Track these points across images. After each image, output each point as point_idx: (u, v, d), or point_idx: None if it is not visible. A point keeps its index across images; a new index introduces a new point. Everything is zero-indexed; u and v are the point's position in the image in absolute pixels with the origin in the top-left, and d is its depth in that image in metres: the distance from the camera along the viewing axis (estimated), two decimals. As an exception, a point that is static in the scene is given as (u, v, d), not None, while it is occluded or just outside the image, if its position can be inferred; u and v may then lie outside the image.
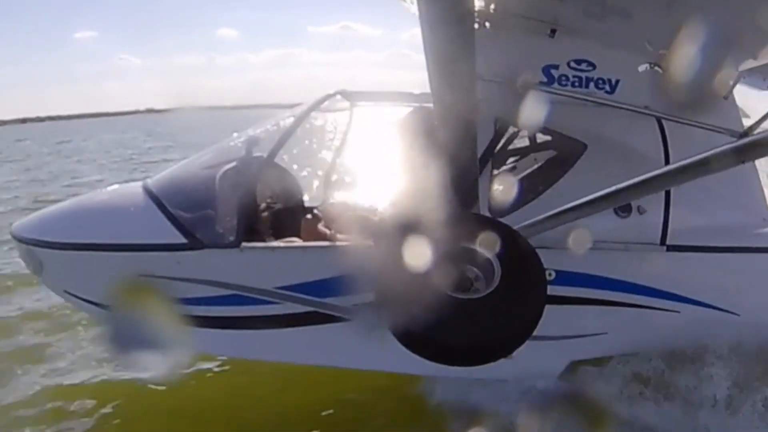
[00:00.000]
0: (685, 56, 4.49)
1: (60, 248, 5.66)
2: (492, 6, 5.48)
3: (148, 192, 5.48)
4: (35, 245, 5.98)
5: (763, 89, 7.57)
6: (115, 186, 6.35)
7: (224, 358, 7.37)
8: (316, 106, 5.98)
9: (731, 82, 6.57)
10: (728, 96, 6.60)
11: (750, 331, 6.34)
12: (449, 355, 3.98)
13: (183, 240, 5.19)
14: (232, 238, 5.20)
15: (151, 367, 5.34)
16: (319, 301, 5.35)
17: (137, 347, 4.90)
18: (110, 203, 5.94)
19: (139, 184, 5.84)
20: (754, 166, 6.54)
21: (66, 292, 6.06)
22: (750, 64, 6.23)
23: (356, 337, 5.38)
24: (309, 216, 5.82)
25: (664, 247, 6.05)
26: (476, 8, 5.43)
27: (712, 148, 3.64)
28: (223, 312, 5.38)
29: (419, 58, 3.29)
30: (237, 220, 5.25)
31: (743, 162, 3.95)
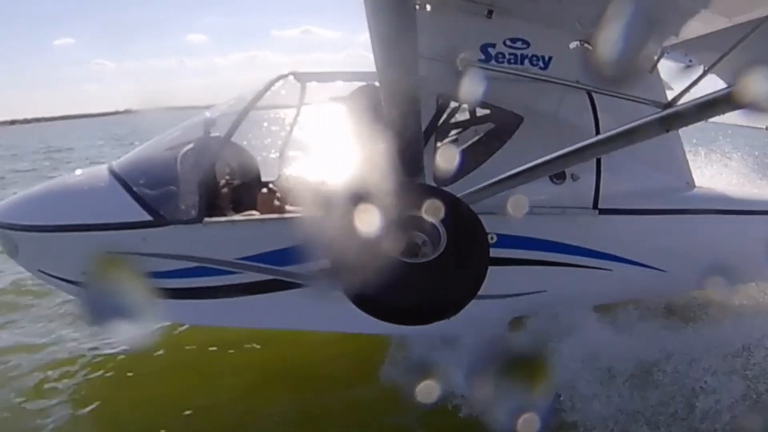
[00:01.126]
0: (612, 34, 4.51)
1: (33, 230, 5.66)
2: None
3: (114, 174, 5.51)
4: (9, 229, 5.97)
5: (684, 63, 7.79)
6: (83, 170, 6.21)
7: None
8: (269, 87, 5.95)
9: (655, 58, 6.83)
10: (653, 70, 6.79)
11: (675, 286, 6.77)
12: (401, 316, 4.02)
13: (148, 217, 5.20)
14: (194, 214, 5.23)
15: (124, 338, 5.28)
16: (278, 269, 5.40)
17: (110, 320, 4.85)
18: (79, 186, 5.90)
19: (105, 166, 5.77)
20: (678, 134, 6.77)
21: (41, 271, 6.05)
22: (672, 40, 6.52)
23: (314, 302, 5.45)
24: (265, 190, 5.73)
25: (596, 211, 6.22)
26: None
27: (638, 119, 3.92)
28: (189, 283, 5.40)
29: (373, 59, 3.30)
30: (198, 197, 5.27)
31: (667, 131, 4.16)
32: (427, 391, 5.14)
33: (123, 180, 5.39)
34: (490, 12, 5.98)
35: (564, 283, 6.32)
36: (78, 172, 6.21)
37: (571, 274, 6.32)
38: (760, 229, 7.16)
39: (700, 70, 6.13)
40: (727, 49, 5.11)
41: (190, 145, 5.72)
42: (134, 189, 5.34)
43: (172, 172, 5.48)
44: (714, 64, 5.43)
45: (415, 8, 2.75)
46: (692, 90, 5.41)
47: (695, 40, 6.31)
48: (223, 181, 5.92)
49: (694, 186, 7.13)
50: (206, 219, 5.30)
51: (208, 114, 5.94)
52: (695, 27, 6.01)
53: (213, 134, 5.85)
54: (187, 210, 5.29)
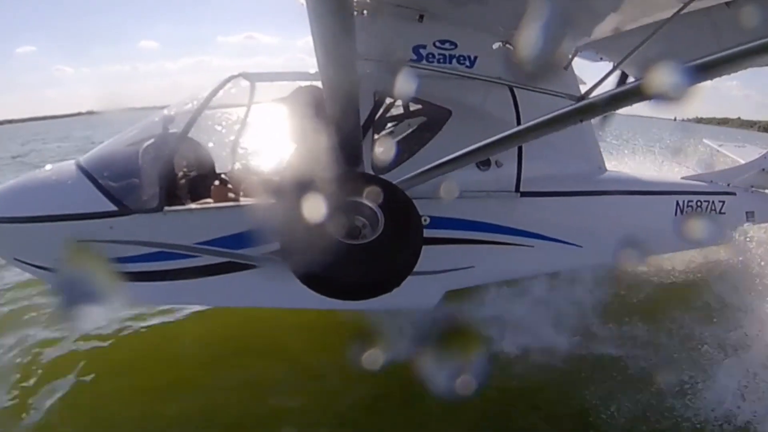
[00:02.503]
0: (531, 35, 4.67)
1: (6, 222, 5.61)
2: None
3: (81, 168, 5.52)
4: None
5: (596, 60, 8.24)
6: (52, 165, 6.18)
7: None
8: (222, 86, 5.98)
9: (570, 56, 7.12)
10: (567, 67, 7.10)
11: (591, 259, 6.99)
12: (344, 292, 4.22)
13: (113, 208, 5.22)
14: (155, 204, 5.27)
15: (95, 318, 5.30)
16: (232, 252, 5.48)
17: (82, 303, 4.85)
18: (49, 180, 5.89)
19: (73, 162, 5.76)
20: (590, 124, 7.10)
21: (16, 259, 6.01)
22: (585, 40, 6.87)
23: (266, 281, 5.54)
24: (219, 181, 5.77)
25: (518, 194, 6.44)
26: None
27: (555, 111, 4.12)
28: (153, 267, 5.45)
29: (311, 61, 3.42)
30: (159, 188, 5.31)
31: (582, 121, 4.56)
32: (373, 358, 5.22)
33: (89, 173, 5.41)
34: (421, 16, 6.19)
35: (491, 259, 6.54)
36: (47, 167, 6.16)
37: (497, 251, 6.53)
38: (663, 208, 7.74)
39: (610, 67, 6.26)
40: (634, 47, 5.29)
41: (151, 141, 5.75)
42: (100, 181, 5.36)
43: (135, 166, 5.52)
44: (622, 61, 5.80)
45: (353, 14, 2.83)
46: (603, 84, 5.59)
47: (605, 39, 6.72)
48: (181, 173, 5.98)
49: (605, 170, 7.53)
50: (166, 208, 5.36)
51: (166, 112, 5.95)
52: (605, 28, 6.34)
53: (171, 130, 5.85)
54: (148, 200, 5.34)
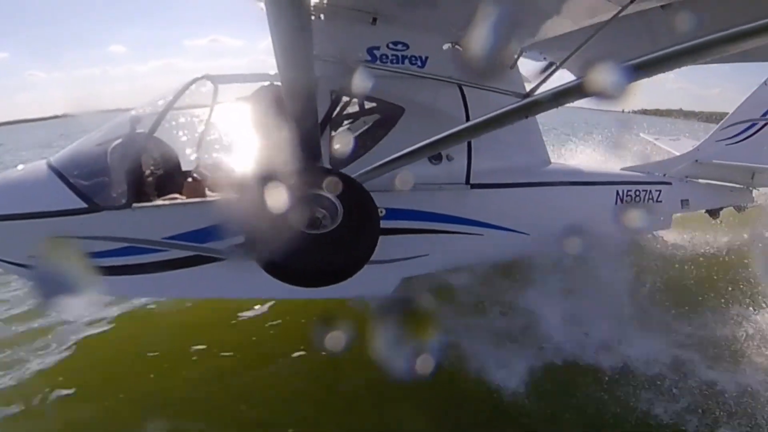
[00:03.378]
0: (478, 36, 4.71)
1: None
2: (325, 0, 5.64)
3: (52, 168, 5.50)
4: None
5: (540, 60, 8.39)
6: (24, 165, 6.10)
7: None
8: (186, 88, 5.97)
9: (515, 56, 7.26)
10: (513, 66, 7.23)
11: (537, 246, 7.11)
12: (306, 280, 4.29)
13: (84, 205, 5.21)
14: (124, 201, 5.28)
15: (71, 311, 5.27)
16: (199, 245, 5.50)
17: (56, 297, 4.81)
18: (21, 179, 5.85)
19: (44, 161, 5.69)
20: (536, 119, 7.19)
21: None
22: (530, 41, 7.08)
23: (232, 272, 5.57)
24: (185, 178, 5.78)
25: (469, 186, 6.63)
26: (312, 3, 5.53)
27: (502, 107, 4.19)
28: (123, 261, 5.44)
29: (272, 62, 3.40)
30: (127, 186, 5.32)
31: (527, 117, 4.51)
32: (335, 340, 5.26)
33: (60, 173, 5.39)
34: (375, 19, 6.28)
35: (443, 247, 6.68)
36: (20, 167, 6.08)
37: (449, 240, 6.68)
38: (605, 197, 8.02)
39: (552, 66, 6.37)
40: (575, 48, 5.37)
41: (119, 141, 5.74)
42: (70, 180, 5.34)
43: (104, 164, 5.49)
44: (564, 61, 5.90)
45: (311, 18, 2.85)
46: (547, 82, 5.68)
47: (549, 40, 6.94)
48: (148, 171, 5.96)
49: (550, 162, 7.74)
50: (135, 204, 5.37)
51: (133, 113, 5.92)
52: (549, 30, 6.55)
53: (138, 130, 5.83)
54: (117, 197, 5.34)
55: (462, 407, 5.69)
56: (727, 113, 10.87)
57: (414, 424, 5.59)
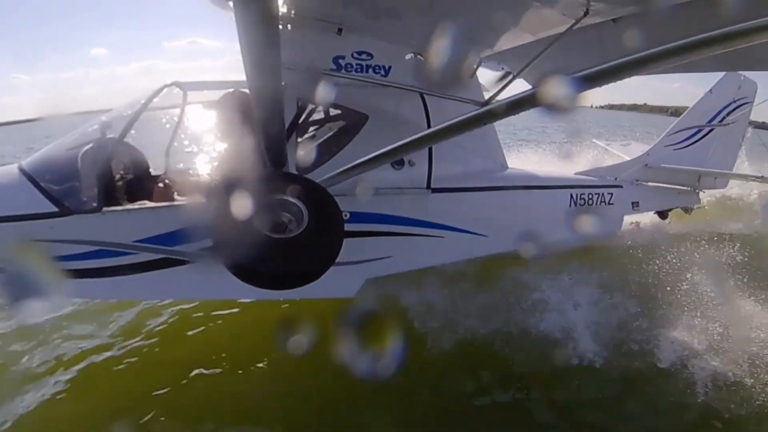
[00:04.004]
0: (439, 47, 4.77)
1: None
2: (292, 11, 5.63)
3: (23, 172, 5.42)
4: None
5: (498, 71, 8.50)
6: None
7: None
8: (156, 95, 5.91)
9: (474, 66, 7.37)
10: (473, 76, 7.35)
11: (495, 248, 7.37)
12: (273, 282, 4.18)
13: (55, 209, 5.12)
14: (94, 205, 5.21)
15: (41, 313, 5.20)
16: (168, 248, 5.48)
17: (27, 300, 4.73)
18: None
19: (16, 165, 5.61)
20: (493, 126, 7.37)
21: None
22: (488, 52, 7.21)
23: (200, 275, 5.49)
24: (155, 183, 5.74)
25: (429, 190, 6.75)
26: (280, 13, 5.50)
27: (462, 115, 4.16)
28: (94, 264, 5.37)
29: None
30: (98, 190, 5.26)
31: (485, 124, 4.55)
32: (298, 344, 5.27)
33: (32, 177, 5.30)
34: (340, 30, 6.30)
35: (406, 249, 6.79)
36: None
37: (411, 242, 6.79)
38: (559, 200, 8.29)
39: (509, 75, 6.44)
40: (532, 58, 5.46)
41: (90, 145, 5.65)
42: (42, 184, 5.25)
43: (75, 169, 5.43)
44: (521, 71, 6.09)
45: (278, 27, 2.83)
46: (504, 91, 5.74)
47: (506, 51, 7.09)
48: (118, 176, 5.84)
49: (507, 167, 7.90)
50: (105, 208, 5.30)
51: (104, 118, 5.85)
52: (506, 41, 6.66)
53: (109, 136, 5.76)
54: (88, 201, 5.28)
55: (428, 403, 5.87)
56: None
57: (382, 420, 5.65)
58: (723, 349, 6.42)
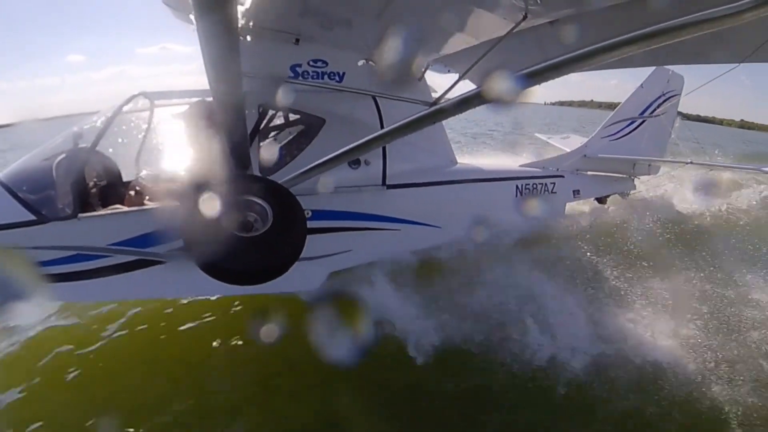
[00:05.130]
0: (389, 53, 4.88)
1: None
2: (251, 23, 5.70)
3: (1, 183, 5.22)
4: None
5: (445, 72, 8.72)
6: None
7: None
8: (124, 105, 5.90)
9: (423, 69, 7.50)
10: (421, 78, 7.50)
11: (448, 238, 7.55)
12: (241, 278, 4.22)
13: (32, 217, 5.06)
14: (70, 211, 5.19)
15: (23, 316, 5.18)
16: (141, 250, 5.49)
17: (8, 304, 4.71)
18: None
19: None
20: (442, 124, 7.63)
21: None
22: (434, 56, 7.38)
23: (173, 274, 5.56)
24: (131, 190, 5.74)
25: (385, 187, 6.89)
26: (239, 25, 5.52)
27: (412, 115, 4.29)
28: (71, 268, 5.36)
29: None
30: (73, 197, 5.27)
31: (434, 123, 4.78)
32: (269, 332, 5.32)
33: (8, 187, 5.24)
34: (297, 39, 6.42)
35: (365, 243, 6.92)
36: None
37: (370, 236, 6.93)
38: (505, 191, 8.55)
39: (456, 77, 6.54)
40: (475, 60, 5.57)
41: (63, 155, 5.62)
42: (19, 194, 5.19)
43: (50, 178, 5.38)
44: (466, 72, 6.23)
45: (238, 38, 2.87)
46: (451, 91, 5.84)
47: (452, 55, 7.30)
48: (92, 183, 5.88)
49: (456, 162, 8.11)
50: (81, 214, 5.27)
51: (75, 129, 5.81)
52: (451, 46, 6.82)
53: (81, 145, 5.73)
54: (64, 208, 5.25)
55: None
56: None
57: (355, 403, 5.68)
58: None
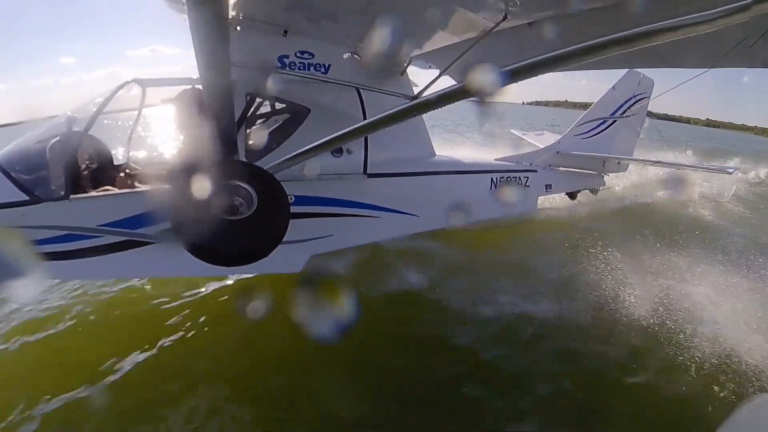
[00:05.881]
0: (373, 48, 5.00)
1: None
2: (241, 15, 5.86)
3: None
4: None
5: (426, 68, 8.74)
6: None
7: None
8: (117, 91, 5.88)
9: (405, 64, 7.55)
10: (403, 73, 7.59)
11: (425, 226, 7.71)
12: (227, 260, 4.36)
13: (26, 197, 5.03)
14: (63, 192, 5.18)
15: (20, 294, 5.21)
16: (131, 231, 5.44)
17: (3, 280, 4.71)
18: None
19: None
20: (422, 117, 7.52)
21: None
22: (417, 52, 7.30)
23: (160, 255, 5.57)
24: (122, 173, 5.76)
25: (366, 175, 6.94)
26: (230, 17, 5.54)
27: (394, 107, 4.18)
28: (62, 248, 5.33)
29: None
30: (65, 179, 5.25)
31: (415, 116, 4.59)
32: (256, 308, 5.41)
33: (3, 168, 5.21)
34: (285, 31, 6.45)
35: (345, 228, 6.98)
36: None
37: (350, 222, 7.00)
38: (481, 184, 8.67)
39: (437, 72, 6.61)
40: (456, 57, 5.64)
41: (57, 138, 5.59)
42: (13, 175, 5.18)
43: (43, 160, 5.38)
44: (447, 68, 6.31)
45: (228, 29, 2.89)
46: (432, 87, 5.91)
47: (434, 51, 7.29)
48: (84, 166, 5.84)
49: (435, 154, 8.19)
50: (72, 196, 5.26)
51: (69, 113, 5.80)
52: (434, 42, 6.82)
53: (74, 129, 5.71)
54: (56, 189, 5.24)
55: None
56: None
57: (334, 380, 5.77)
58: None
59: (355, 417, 5.29)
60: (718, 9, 2.43)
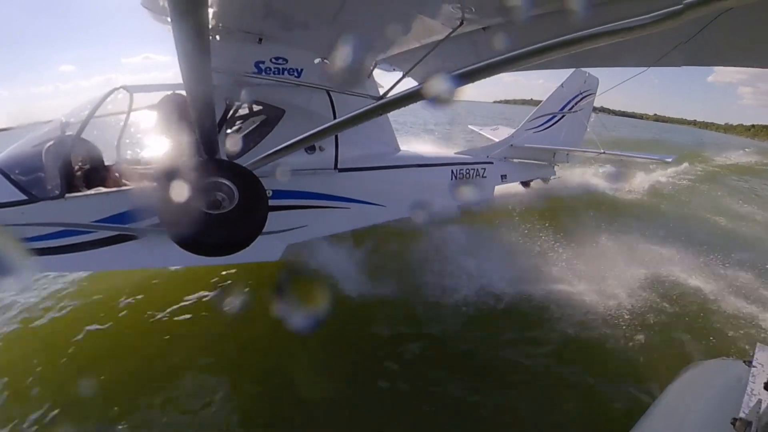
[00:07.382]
0: (342, 53, 5.13)
1: None
2: (220, 24, 6.10)
3: None
4: None
5: (390, 71, 9.02)
6: None
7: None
8: (106, 97, 5.91)
9: (371, 67, 7.80)
10: (370, 75, 7.82)
11: (392, 216, 7.90)
12: (210, 251, 4.46)
13: (24, 197, 5.09)
14: (58, 192, 5.21)
15: (15, 286, 5.27)
16: (122, 226, 5.54)
17: (2, 274, 4.78)
18: None
19: None
20: (387, 116, 7.72)
21: None
22: (381, 56, 7.61)
23: (149, 247, 5.71)
24: (113, 173, 5.83)
25: (337, 170, 7.16)
26: (210, 26, 5.63)
27: (361, 108, 4.46)
28: (59, 243, 5.42)
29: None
30: (60, 179, 5.30)
31: (381, 115, 4.79)
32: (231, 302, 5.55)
33: (2, 170, 5.25)
34: (260, 39, 6.56)
35: (319, 219, 7.14)
36: None
37: (323, 213, 7.17)
38: (442, 175, 8.96)
39: (400, 74, 6.77)
40: (417, 60, 5.83)
41: (52, 142, 5.64)
42: (12, 177, 5.23)
43: (40, 162, 5.42)
44: (409, 71, 6.54)
45: (209, 40, 3.00)
46: (396, 88, 6.08)
47: (397, 55, 7.60)
48: (77, 167, 5.86)
49: (399, 150, 8.47)
50: (67, 194, 5.32)
51: (62, 119, 5.84)
52: (397, 47, 7.09)
53: (67, 133, 5.76)
54: (52, 189, 5.27)
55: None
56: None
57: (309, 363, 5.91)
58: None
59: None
60: (652, 14, 2.63)
